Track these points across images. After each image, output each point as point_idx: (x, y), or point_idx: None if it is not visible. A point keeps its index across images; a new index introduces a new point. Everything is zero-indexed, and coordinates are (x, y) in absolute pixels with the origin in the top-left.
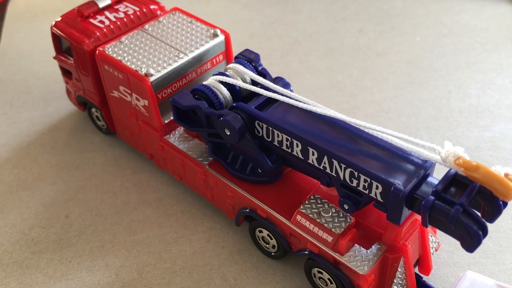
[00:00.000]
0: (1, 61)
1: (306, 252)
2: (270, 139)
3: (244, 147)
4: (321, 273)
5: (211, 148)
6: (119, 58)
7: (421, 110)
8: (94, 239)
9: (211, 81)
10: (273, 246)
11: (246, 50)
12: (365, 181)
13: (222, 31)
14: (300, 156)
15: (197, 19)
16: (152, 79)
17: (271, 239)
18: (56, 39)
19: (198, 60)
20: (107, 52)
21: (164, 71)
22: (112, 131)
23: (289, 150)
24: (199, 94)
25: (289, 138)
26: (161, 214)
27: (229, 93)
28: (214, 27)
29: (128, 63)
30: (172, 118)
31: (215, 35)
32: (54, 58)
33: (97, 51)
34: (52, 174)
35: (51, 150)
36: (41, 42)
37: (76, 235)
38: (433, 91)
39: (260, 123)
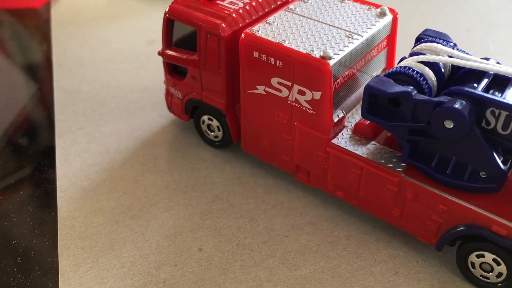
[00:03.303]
0: (60, 71)
1: None
2: (508, 132)
3: (464, 145)
4: None
5: (408, 150)
6: (277, 41)
7: None
8: (247, 278)
9: (411, 62)
10: (499, 275)
11: (428, 29)
12: None
13: (391, 10)
14: None
15: None
16: (332, 63)
17: (498, 265)
18: (168, 28)
19: (369, 44)
20: (258, 35)
21: (342, 53)
22: (235, 142)
23: None
24: (402, 80)
25: None
26: (322, 242)
27: (435, 77)
28: (374, 5)
29: (292, 46)
30: (340, 116)
31: (382, 14)
32: (160, 54)
33: (242, 35)
34: (164, 197)
35: (153, 169)
36: (102, 49)
37: (220, 274)
38: None
39: (497, 111)
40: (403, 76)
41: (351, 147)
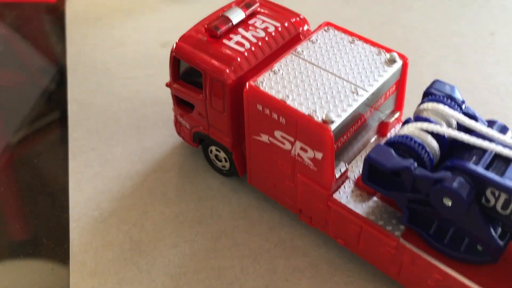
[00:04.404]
0: (73, 78)
1: None
2: (508, 212)
3: (462, 219)
4: None
5: (407, 215)
6: (280, 97)
7: None
8: None
9: (413, 130)
10: None
11: (437, 81)
12: None
13: (400, 56)
14: None
15: (359, 37)
16: (333, 127)
17: None
18: (175, 65)
19: (376, 95)
20: (262, 88)
21: (344, 115)
22: (240, 176)
23: None
24: (403, 149)
25: None
26: (321, 287)
27: (438, 147)
28: (384, 48)
29: (295, 104)
30: (342, 171)
31: (392, 61)
32: (168, 85)
33: (246, 86)
34: (171, 232)
35: (161, 197)
36: (115, 51)
37: None
38: None
39: (496, 192)
40: (404, 146)
41: (352, 204)
